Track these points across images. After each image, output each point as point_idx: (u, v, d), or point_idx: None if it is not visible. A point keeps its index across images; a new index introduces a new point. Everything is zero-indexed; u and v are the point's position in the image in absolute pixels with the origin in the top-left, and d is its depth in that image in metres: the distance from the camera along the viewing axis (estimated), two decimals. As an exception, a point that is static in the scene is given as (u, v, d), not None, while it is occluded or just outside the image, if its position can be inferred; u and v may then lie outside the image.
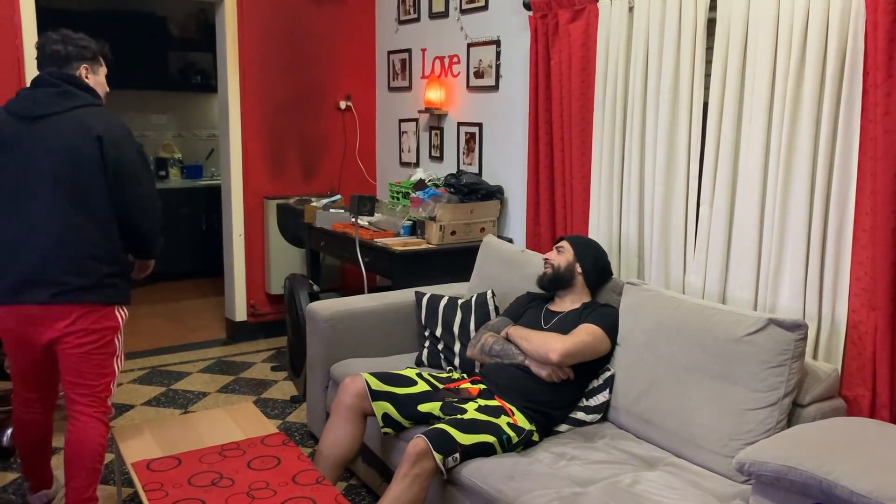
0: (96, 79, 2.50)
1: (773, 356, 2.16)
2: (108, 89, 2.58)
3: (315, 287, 3.89)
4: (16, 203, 2.33)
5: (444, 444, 2.21)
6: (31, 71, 3.89)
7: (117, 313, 2.45)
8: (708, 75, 2.74)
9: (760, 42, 2.51)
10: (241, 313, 4.80)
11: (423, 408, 2.51)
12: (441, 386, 2.62)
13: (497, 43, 3.90)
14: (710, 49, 2.73)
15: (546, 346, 2.47)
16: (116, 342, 2.46)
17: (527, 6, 3.48)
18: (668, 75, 2.82)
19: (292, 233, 4.55)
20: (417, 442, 2.21)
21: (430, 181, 4.06)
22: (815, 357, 2.45)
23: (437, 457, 2.19)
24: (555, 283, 2.74)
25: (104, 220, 2.36)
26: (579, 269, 2.71)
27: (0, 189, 2.35)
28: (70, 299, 2.32)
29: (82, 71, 2.44)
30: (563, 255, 2.74)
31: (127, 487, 2.84)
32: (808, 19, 2.36)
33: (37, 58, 2.45)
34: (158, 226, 2.52)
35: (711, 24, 2.71)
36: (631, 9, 2.99)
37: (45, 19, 4.31)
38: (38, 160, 2.31)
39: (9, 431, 3.19)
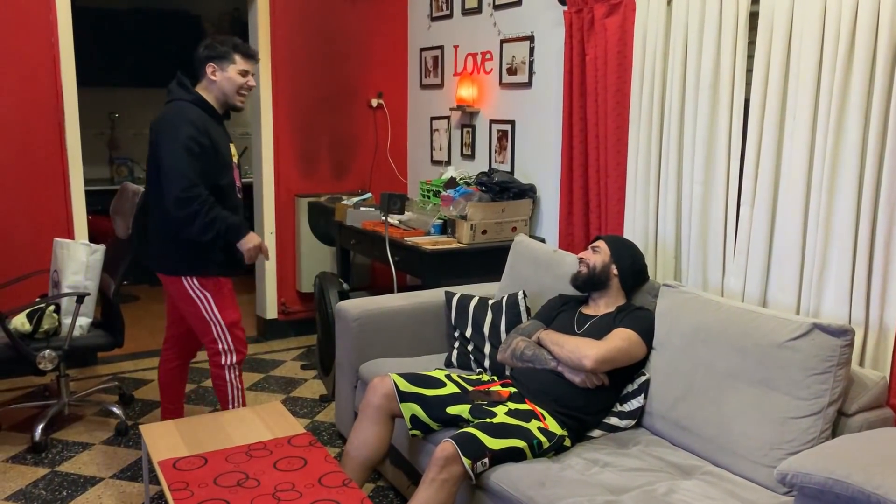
0: (224, 74, 2.81)
1: (818, 363, 2.07)
2: (242, 82, 2.84)
3: (345, 285, 3.86)
4: None
5: (472, 448, 2.16)
6: (67, 69, 3.93)
7: (185, 283, 2.78)
8: (750, 70, 2.65)
9: (806, 35, 2.41)
10: (271, 311, 4.81)
11: (451, 410, 2.46)
12: (470, 388, 2.57)
13: (531, 39, 3.83)
14: (752, 43, 2.63)
15: (579, 352, 2.40)
16: (200, 307, 2.81)
17: (561, 1, 3.41)
18: (708, 71, 2.73)
19: (323, 231, 4.54)
20: (445, 446, 2.16)
21: (461, 179, 4.01)
22: (861, 364, 2.35)
23: (466, 461, 2.14)
24: (589, 283, 2.66)
25: (160, 194, 2.71)
26: (615, 271, 2.64)
27: None
28: (153, 266, 2.85)
29: (208, 69, 2.81)
30: (598, 255, 2.66)
31: (154, 485, 2.84)
32: (857, 11, 2.26)
33: None
34: (174, 195, 2.64)
35: (754, 17, 2.62)
36: (669, 2, 2.90)
37: (81, 18, 4.35)
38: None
39: (41, 426, 3.22)
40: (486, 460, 2.17)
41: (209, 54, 2.80)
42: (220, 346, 2.87)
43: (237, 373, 2.91)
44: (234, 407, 2.92)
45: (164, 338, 3.10)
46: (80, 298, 3.20)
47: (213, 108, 2.83)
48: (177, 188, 2.64)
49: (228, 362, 2.88)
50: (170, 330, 3.07)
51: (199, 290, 2.80)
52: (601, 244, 2.68)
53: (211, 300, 2.82)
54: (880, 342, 2.31)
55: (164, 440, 2.44)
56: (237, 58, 2.80)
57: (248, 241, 2.81)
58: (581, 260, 2.69)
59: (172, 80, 2.85)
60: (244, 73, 2.82)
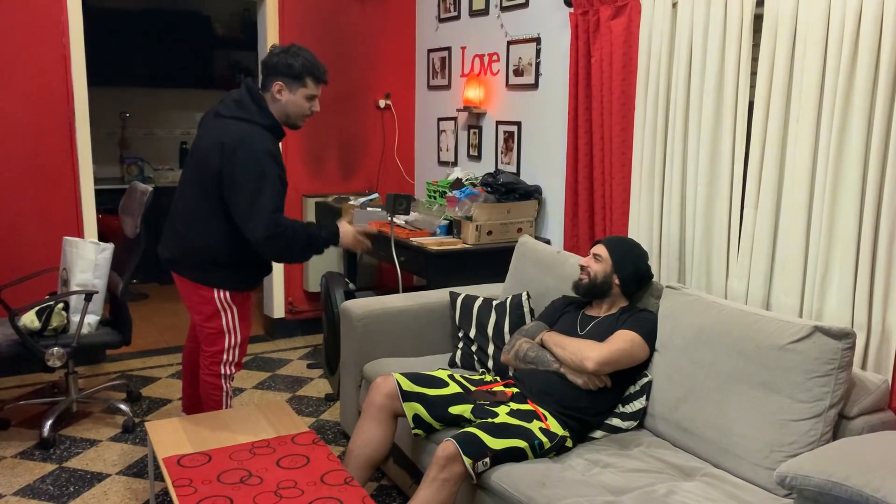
0: (290, 97, 2.63)
1: (819, 365, 2.07)
2: (307, 107, 2.68)
3: (351, 285, 3.88)
4: (180, 181, 2.76)
5: (473, 447, 2.17)
6: (77, 69, 3.96)
7: (216, 295, 2.69)
8: (754, 73, 2.65)
9: (810, 38, 2.41)
10: (279, 310, 4.83)
11: (454, 410, 2.47)
12: (473, 388, 2.58)
13: (537, 40, 3.84)
14: (756, 46, 2.63)
15: (581, 355, 2.41)
16: (223, 320, 2.73)
17: (567, 3, 3.42)
18: (713, 73, 2.74)
19: (330, 231, 4.55)
20: (447, 445, 2.17)
21: (467, 180, 4.02)
22: (863, 367, 2.35)
23: (467, 461, 2.15)
24: (591, 293, 2.65)
25: (213, 215, 2.60)
26: (616, 281, 2.61)
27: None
28: (175, 270, 2.74)
29: (275, 86, 2.61)
30: (600, 265, 2.62)
31: (159, 482, 2.86)
32: (861, 15, 2.26)
33: None
34: (261, 235, 2.53)
35: (758, 20, 2.62)
36: (674, 4, 2.90)
37: (93, 18, 4.39)
38: (196, 151, 2.66)
39: (49, 422, 3.25)
40: (487, 460, 2.18)
41: (281, 70, 2.60)
42: (227, 357, 2.80)
43: (231, 381, 2.86)
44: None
45: (190, 328, 3.06)
46: (89, 296, 3.23)
47: (281, 131, 2.68)
48: (263, 228, 2.51)
49: (228, 372, 2.82)
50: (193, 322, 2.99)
51: (229, 303, 2.73)
52: (603, 251, 2.64)
53: (236, 313, 2.76)
54: (883, 345, 2.31)
55: (169, 437, 2.47)
56: (308, 81, 2.63)
57: (345, 240, 2.77)
58: (582, 268, 2.68)
59: (248, 91, 2.63)
60: (311, 98, 2.67)
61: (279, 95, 2.62)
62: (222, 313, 2.74)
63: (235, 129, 2.55)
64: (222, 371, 2.81)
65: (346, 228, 2.78)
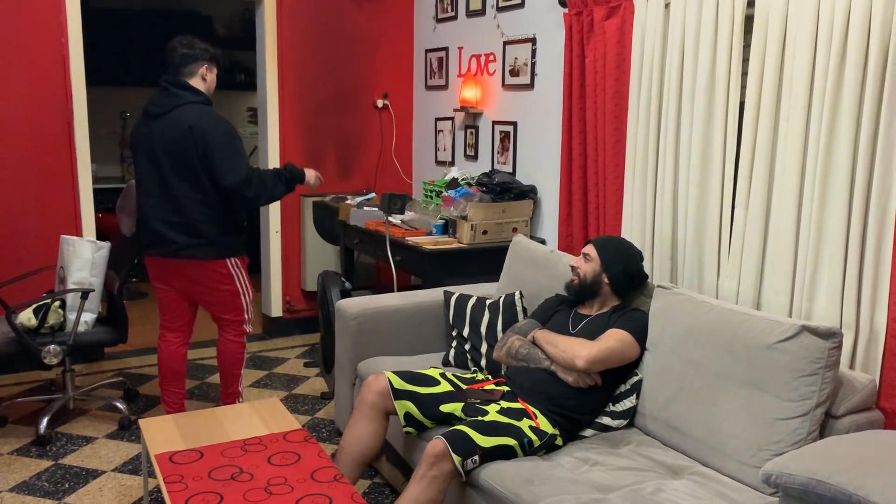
0: (212, 76, 3.10)
1: (806, 364, 2.08)
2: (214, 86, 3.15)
3: (347, 284, 3.89)
4: (146, 182, 3.04)
5: (462, 445, 2.19)
6: (76, 69, 3.99)
7: (229, 264, 3.09)
8: (745, 73, 2.66)
9: (799, 39, 2.42)
10: (276, 309, 4.85)
11: (445, 408, 2.49)
12: (464, 386, 2.60)
13: (533, 41, 3.86)
14: (747, 46, 2.65)
15: (571, 352, 2.42)
16: (236, 283, 3.14)
17: (562, 3, 3.43)
18: (704, 73, 2.75)
19: (328, 230, 4.57)
20: (436, 443, 2.19)
21: (463, 180, 4.04)
22: (851, 367, 2.36)
23: (456, 459, 2.16)
24: (581, 293, 2.66)
25: (204, 192, 2.97)
26: (606, 279, 2.62)
27: (138, 170, 3.08)
28: (183, 256, 3.03)
29: (204, 68, 3.05)
30: (589, 264, 2.64)
31: (153, 479, 2.89)
32: (850, 15, 2.26)
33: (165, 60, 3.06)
34: (240, 178, 2.93)
35: (749, 20, 2.63)
36: (667, 5, 2.91)
37: (94, 18, 4.41)
38: (156, 149, 2.96)
39: (45, 419, 3.27)
40: (476, 458, 2.20)
41: (204, 56, 3.05)
42: (247, 315, 3.24)
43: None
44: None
45: (174, 326, 3.30)
46: (85, 294, 3.25)
47: (212, 103, 3.09)
48: (243, 172, 2.93)
49: (249, 330, 3.28)
50: (182, 318, 3.28)
51: (238, 267, 3.14)
52: (592, 251, 2.65)
53: (244, 274, 3.18)
54: (871, 345, 2.32)
55: (162, 434, 2.49)
56: (216, 61, 3.12)
57: (310, 178, 3.28)
58: (573, 269, 2.69)
59: (169, 84, 3.00)
60: (217, 76, 3.16)
61: (207, 77, 3.08)
62: (235, 278, 3.14)
63: (191, 112, 2.93)
64: (248, 330, 3.28)
65: (308, 170, 3.28)
